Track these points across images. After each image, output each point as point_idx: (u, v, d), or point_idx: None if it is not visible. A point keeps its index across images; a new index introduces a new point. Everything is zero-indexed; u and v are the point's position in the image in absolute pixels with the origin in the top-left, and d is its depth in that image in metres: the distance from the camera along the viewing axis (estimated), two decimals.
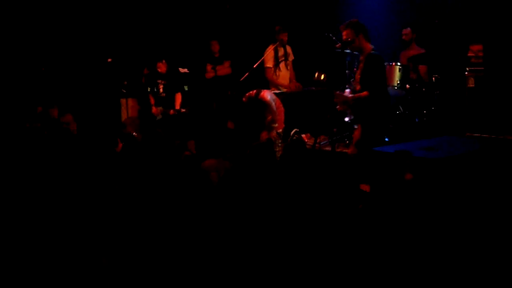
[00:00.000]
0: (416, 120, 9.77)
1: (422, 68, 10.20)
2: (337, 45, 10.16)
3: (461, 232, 5.42)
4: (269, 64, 11.01)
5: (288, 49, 11.29)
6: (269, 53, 10.91)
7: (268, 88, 10.83)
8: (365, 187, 6.66)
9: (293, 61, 11.40)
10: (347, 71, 10.50)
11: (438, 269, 4.82)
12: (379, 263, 4.81)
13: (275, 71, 11.11)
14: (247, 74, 10.40)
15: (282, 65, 11.19)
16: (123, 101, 12.24)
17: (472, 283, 4.81)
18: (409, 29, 10.50)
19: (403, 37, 10.55)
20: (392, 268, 4.76)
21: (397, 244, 5.02)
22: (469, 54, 9.73)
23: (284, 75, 11.20)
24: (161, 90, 11.35)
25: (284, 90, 10.94)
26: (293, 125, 9.82)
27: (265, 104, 9.48)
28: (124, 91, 12.27)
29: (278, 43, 10.94)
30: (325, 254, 5.06)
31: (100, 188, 6.52)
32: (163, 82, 11.35)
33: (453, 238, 5.27)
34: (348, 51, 10.21)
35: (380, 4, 11.69)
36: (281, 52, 11.12)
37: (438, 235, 5.20)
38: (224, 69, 12.28)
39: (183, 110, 11.25)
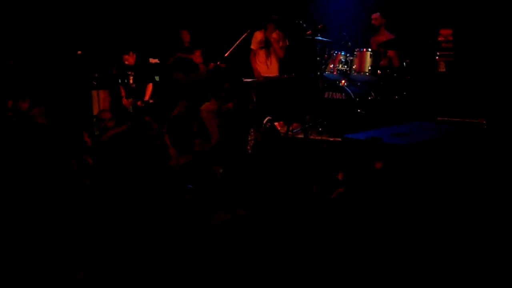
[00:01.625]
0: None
1: (392, 54, 10.19)
2: (308, 32, 10.13)
3: (432, 218, 5.42)
4: (253, 46, 11.33)
5: (277, 35, 11.28)
6: (256, 36, 11.17)
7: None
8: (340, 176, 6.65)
9: (279, 59, 11.42)
10: (318, 58, 10.46)
11: (411, 258, 4.82)
12: (352, 252, 4.80)
13: (254, 55, 11.36)
14: (218, 62, 10.38)
15: (261, 51, 11.23)
16: (94, 93, 12.15)
17: (445, 269, 4.82)
18: (378, 13, 10.44)
19: (372, 21, 10.48)
20: (364, 257, 4.75)
21: (371, 233, 5.01)
22: (439, 39, 9.75)
23: (262, 61, 11.23)
24: (131, 81, 11.26)
25: (258, 77, 10.99)
26: (266, 113, 9.81)
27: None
28: (95, 83, 12.18)
29: (263, 30, 11.09)
30: (299, 244, 5.04)
31: (68, 181, 6.46)
32: (132, 74, 11.27)
33: (425, 225, 5.27)
34: (319, 38, 10.19)
35: None
36: (263, 38, 11.21)
37: (409, 222, 5.19)
38: (195, 58, 12.20)
39: (151, 101, 11.18)
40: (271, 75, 11.16)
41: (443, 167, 6.54)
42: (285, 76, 11.18)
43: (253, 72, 11.34)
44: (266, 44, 11.26)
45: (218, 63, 11.07)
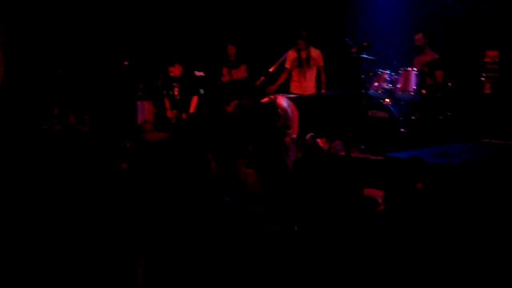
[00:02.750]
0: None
1: (438, 74, 10.14)
2: (353, 50, 10.13)
3: (473, 239, 5.39)
4: (287, 65, 11.23)
5: (315, 53, 11.26)
6: (290, 54, 11.12)
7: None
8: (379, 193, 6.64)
9: (323, 67, 11.39)
10: (362, 76, 10.45)
11: (450, 277, 4.80)
12: (388, 270, 4.80)
13: (288, 73, 11.33)
14: (263, 78, 10.41)
15: (297, 69, 11.23)
16: (139, 103, 12.26)
17: None
18: (421, 34, 10.39)
19: (416, 42, 10.44)
20: (401, 276, 4.74)
21: (408, 250, 5.00)
22: (485, 60, 9.69)
23: (296, 79, 11.26)
24: (176, 93, 11.35)
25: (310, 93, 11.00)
26: (308, 129, 9.83)
27: (281, 110, 9.48)
28: (140, 93, 12.29)
29: (295, 47, 11.06)
30: (336, 258, 5.05)
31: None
32: (178, 85, 11.35)
33: (465, 245, 5.24)
34: (364, 56, 10.18)
35: (392, 9, 11.64)
36: (296, 56, 11.18)
37: (449, 242, 5.17)
38: (240, 72, 12.28)
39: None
40: (304, 93, 11.14)
41: (485, 189, 6.49)
42: (329, 93, 11.19)
43: (289, 89, 11.35)
44: (299, 62, 11.26)
45: (263, 78, 11.08)
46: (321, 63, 11.32)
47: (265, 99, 9.47)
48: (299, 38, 11.02)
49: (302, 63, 11.19)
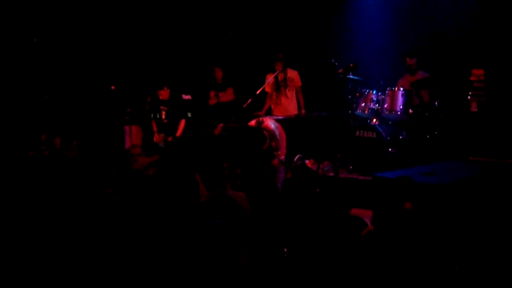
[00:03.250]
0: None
1: (425, 93, 10.17)
2: (340, 71, 10.14)
3: (463, 258, 5.38)
4: (267, 89, 11.29)
5: (293, 74, 11.34)
6: (268, 78, 11.13)
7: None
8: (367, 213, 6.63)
9: (301, 87, 11.43)
10: (349, 96, 10.48)
11: None
12: None
13: (270, 97, 11.46)
14: (250, 100, 10.41)
15: (275, 93, 11.32)
16: (126, 128, 12.24)
17: None
18: (415, 59, 10.40)
19: (412, 67, 10.43)
20: None
21: (398, 271, 4.99)
22: (471, 79, 9.72)
23: (283, 101, 11.33)
24: (163, 116, 11.35)
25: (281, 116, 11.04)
26: (296, 150, 9.82)
27: (269, 132, 9.48)
28: (128, 118, 12.28)
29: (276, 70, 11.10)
30: (325, 279, 5.03)
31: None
32: (165, 109, 11.36)
33: (455, 264, 5.23)
34: (350, 76, 10.20)
35: (378, 29, 11.69)
36: (281, 77, 11.22)
37: (439, 261, 5.16)
38: (227, 95, 12.29)
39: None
40: (282, 115, 11.17)
41: (474, 208, 6.49)
42: (316, 114, 11.20)
43: (271, 112, 11.42)
44: (277, 85, 11.33)
45: (250, 100, 11.08)
46: (299, 84, 11.42)
47: (253, 122, 9.48)
48: (277, 60, 11.10)
49: (280, 85, 11.26)
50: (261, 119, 10.02)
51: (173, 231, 5.73)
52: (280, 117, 10.82)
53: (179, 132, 11.29)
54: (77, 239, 6.05)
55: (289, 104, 11.40)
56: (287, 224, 6.35)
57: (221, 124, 9.61)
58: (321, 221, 6.25)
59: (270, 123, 9.62)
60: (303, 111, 11.43)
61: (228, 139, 8.75)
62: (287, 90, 11.35)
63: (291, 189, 6.99)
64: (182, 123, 11.47)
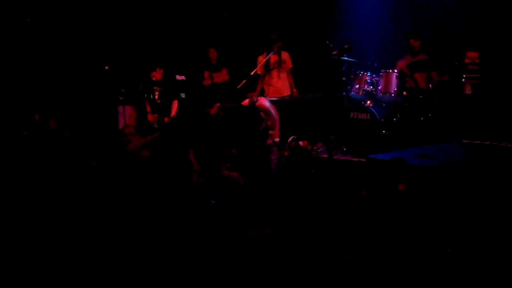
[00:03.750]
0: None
1: (419, 75, 10.16)
2: (334, 52, 10.13)
3: (455, 239, 5.40)
4: (259, 71, 11.12)
5: (285, 56, 11.34)
6: (261, 60, 11.09)
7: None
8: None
9: (291, 69, 11.43)
10: (344, 78, 10.48)
11: (432, 278, 4.80)
12: (371, 271, 4.80)
13: (263, 78, 11.36)
14: (244, 81, 10.40)
15: (274, 72, 11.26)
16: (120, 108, 12.21)
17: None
18: (419, 41, 10.33)
19: (415, 49, 10.37)
20: (384, 276, 4.75)
21: (391, 252, 5.01)
22: (465, 61, 9.72)
23: (275, 82, 11.26)
24: (156, 97, 11.33)
25: (287, 96, 11.03)
26: (290, 132, 9.83)
27: (264, 111, 9.49)
28: (122, 98, 12.25)
29: (273, 51, 11.03)
30: (321, 259, 5.05)
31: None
32: (159, 89, 11.34)
33: (447, 245, 5.26)
34: (345, 58, 10.18)
35: (373, 11, 11.67)
36: (273, 59, 11.19)
37: (432, 242, 5.18)
38: (222, 76, 12.26)
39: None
40: (280, 95, 11.19)
41: (467, 190, 6.52)
42: (310, 95, 11.21)
43: (264, 94, 11.38)
44: (271, 66, 11.32)
45: (244, 81, 11.04)
46: (290, 65, 11.44)
47: (246, 101, 9.46)
48: (276, 41, 11.08)
49: (274, 67, 11.25)
50: (254, 98, 10.03)
51: (168, 212, 5.75)
52: (274, 98, 10.84)
53: (173, 113, 11.27)
54: (68, 219, 6.06)
55: (282, 86, 11.39)
56: (281, 204, 6.37)
57: (218, 104, 9.60)
58: (316, 201, 6.26)
59: (265, 102, 9.62)
60: (295, 90, 11.41)
61: (225, 119, 8.75)
62: (280, 71, 11.34)
63: (287, 170, 6.99)
64: (175, 104, 11.45)
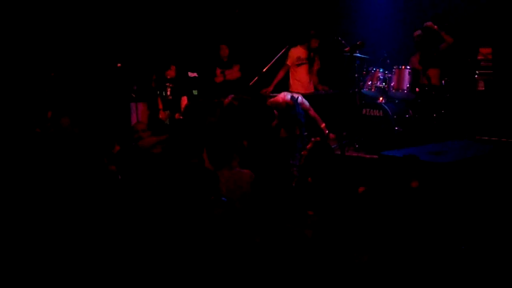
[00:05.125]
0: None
1: (432, 72, 10.12)
2: (346, 49, 10.11)
3: (469, 238, 5.38)
4: (288, 62, 11.11)
5: (316, 57, 11.30)
6: (293, 52, 11.08)
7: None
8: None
9: (318, 70, 11.39)
10: (356, 75, 10.45)
11: (446, 277, 4.78)
12: (383, 269, 4.78)
13: (289, 71, 11.27)
14: (256, 78, 10.40)
15: (303, 67, 11.19)
16: (133, 105, 12.24)
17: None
18: (419, 30, 10.36)
19: (416, 39, 10.39)
20: (396, 275, 4.73)
21: (404, 249, 4.99)
22: (478, 57, 9.69)
23: (301, 78, 11.19)
24: (168, 93, 11.35)
25: (304, 91, 10.98)
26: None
27: (279, 107, 9.47)
28: (134, 95, 12.28)
29: (305, 45, 11.00)
30: (334, 256, 5.03)
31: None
32: (171, 86, 11.35)
33: (461, 243, 5.23)
34: (357, 54, 10.16)
35: (386, 7, 11.64)
36: (304, 55, 11.14)
37: (445, 240, 5.16)
38: (233, 73, 12.26)
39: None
40: (306, 92, 11.10)
41: (480, 187, 6.49)
42: (323, 92, 11.18)
43: (289, 88, 11.28)
44: (308, 61, 11.24)
45: (256, 78, 11.01)
46: (319, 66, 11.38)
47: (281, 95, 9.37)
48: (315, 37, 11.03)
49: (305, 62, 11.19)
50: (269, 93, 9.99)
51: (178, 209, 5.73)
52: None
53: (182, 109, 11.29)
54: (79, 216, 6.07)
55: (309, 82, 11.30)
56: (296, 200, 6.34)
57: (232, 95, 9.57)
58: (329, 197, 6.23)
59: (303, 100, 9.52)
60: (325, 87, 11.38)
61: (238, 109, 8.69)
62: (311, 68, 11.27)
63: (308, 163, 6.93)
64: (185, 100, 11.46)
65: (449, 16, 10.70)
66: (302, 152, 6.83)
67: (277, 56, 11.09)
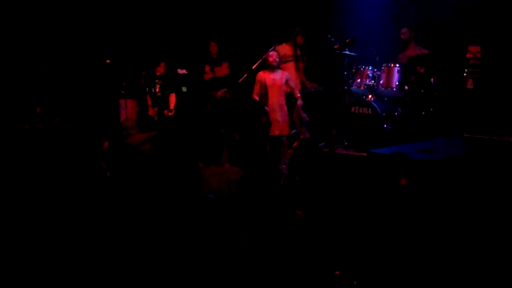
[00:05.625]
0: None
1: (421, 69, 10.14)
2: (336, 46, 10.12)
3: (457, 235, 5.39)
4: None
5: (302, 54, 11.29)
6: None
7: None
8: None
9: (304, 67, 11.38)
10: (345, 72, 10.46)
11: (435, 274, 4.80)
12: (373, 267, 4.80)
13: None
14: (245, 75, 10.38)
15: (289, 64, 11.16)
16: (121, 102, 12.22)
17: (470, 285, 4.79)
18: (406, 28, 10.41)
19: (401, 36, 10.46)
20: (386, 273, 4.74)
21: (393, 247, 5.00)
22: (467, 56, 9.70)
23: (292, 75, 11.15)
24: (157, 90, 11.34)
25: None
26: (291, 126, 9.85)
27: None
28: (123, 92, 12.25)
29: (291, 42, 10.99)
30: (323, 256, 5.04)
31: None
32: (159, 82, 11.34)
33: (450, 241, 5.25)
34: (346, 52, 10.17)
35: (375, 5, 11.65)
36: (290, 52, 11.12)
37: (434, 237, 5.17)
38: (222, 70, 12.25)
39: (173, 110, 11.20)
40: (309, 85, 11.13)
41: (468, 184, 6.51)
42: (312, 89, 11.18)
43: None
44: (296, 58, 11.22)
45: (246, 75, 11.00)
46: (305, 62, 11.38)
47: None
48: (301, 33, 11.02)
49: (291, 59, 11.18)
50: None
51: (167, 206, 5.73)
52: None
53: (171, 106, 11.28)
54: (70, 213, 6.05)
55: (298, 79, 11.27)
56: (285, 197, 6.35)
57: (224, 89, 9.54)
58: (319, 195, 6.24)
59: None
60: (314, 84, 11.36)
61: (231, 102, 8.69)
62: (298, 65, 11.26)
63: (295, 161, 6.95)
64: (173, 97, 11.46)
65: (437, 15, 10.75)
66: (289, 151, 6.85)
67: (266, 54, 11.08)
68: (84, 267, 5.17)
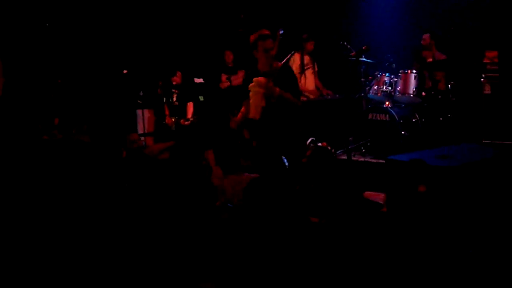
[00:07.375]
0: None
1: (439, 75, 10.11)
2: (352, 54, 10.10)
3: (476, 241, 5.37)
4: (296, 71, 11.02)
5: (314, 61, 11.28)
6: (295, 61, 10.93)
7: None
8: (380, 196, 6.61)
9: (317, 73, 11.37)
10: (362, 79, 10.45)
11: (453, 280, 4.77)
12: (390, 274, 4.77)
13: (300, 79, 11.06)
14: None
15: (308, 72, 11.15)
16: (139, 111, 12.24)
17: None
18: (428, 34, 10.37)
19: (422, 41, 10.42)
20: (404, 279, 4.72)
21: (411, 254, 4.98)
22: (484, 61, 9.68)
23: (310, 82, 11.15)
24: (174, 99, 11.36)
25: (311, 97, 10.92)
26: (309, 134, 9.82)
27: None
28: (140, 102, 12.28)
29: (301, 51, 10.97)
30: (338, 261, 5.03)
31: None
32: (176, 92, 11.36)
33: (468, 247, 5.22)
34: (363, 59, 10.16)
35: (391, 12, 11.65)
36: (306, 59, 11.10)
37: (453, 244, 5.15)
38: (239, 79, 12.26)
39: (190, 119, 11.21)
40: (310, 97, 11.06)
41: (487, 190, 6.48)
42: (328, 97, 11.17)
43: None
44: (306, 66, 11.22)
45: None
46: (316, 68, 11.35)
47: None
48: (309, 40, 11.00)
49: (310, 67, 11.17)
50: None
51: (185, 215, 5.74)
52: (304, 99, 10.69)
53: (188, 115, 11.30)
54: (87, 221, 6.08)
55: (314, 87, 11.26)
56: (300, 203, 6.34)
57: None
58: (336, 203, 6.23)
59: None
60: (329, 92, 11.33)
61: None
62: (313, 72, 11.25)
63: (309, 169, 6.93)
64: (190, 106, 11.48)
65: (454, 21, 10.72)
66: (302, 160, 6.84)
67: (283, 62, 11.07)
68: (105, 273, 5.20)
